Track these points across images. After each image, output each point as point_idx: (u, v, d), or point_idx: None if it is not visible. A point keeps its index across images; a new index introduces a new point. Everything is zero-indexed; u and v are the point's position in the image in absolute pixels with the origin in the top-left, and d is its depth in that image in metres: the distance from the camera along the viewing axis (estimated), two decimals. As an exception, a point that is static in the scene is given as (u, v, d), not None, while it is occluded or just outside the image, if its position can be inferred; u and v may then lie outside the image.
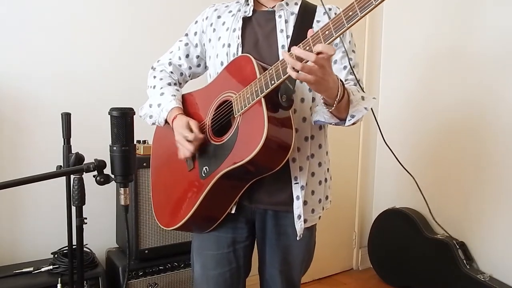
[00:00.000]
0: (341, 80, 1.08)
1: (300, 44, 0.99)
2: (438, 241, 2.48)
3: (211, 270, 1.28)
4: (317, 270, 2.85)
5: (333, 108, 1.07)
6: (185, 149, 1.19)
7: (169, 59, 1.40)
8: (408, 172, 1.29)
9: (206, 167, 1.18)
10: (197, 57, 1.39)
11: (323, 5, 1.20)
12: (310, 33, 0.99)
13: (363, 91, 1.26)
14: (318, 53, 0.94)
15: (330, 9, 1.25)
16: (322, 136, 1.29)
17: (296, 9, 1.25)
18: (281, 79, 1.03)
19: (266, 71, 1.06)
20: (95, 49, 2.02)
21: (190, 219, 1.21)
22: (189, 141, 1.17)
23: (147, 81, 1.40)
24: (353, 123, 1.15)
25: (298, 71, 0.96)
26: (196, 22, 1.38)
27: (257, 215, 1.28)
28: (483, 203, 2.41)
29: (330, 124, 1.20)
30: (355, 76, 1.24)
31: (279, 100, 1.07)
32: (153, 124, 1.34)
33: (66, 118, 1.49)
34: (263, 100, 1.06)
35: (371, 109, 1.22)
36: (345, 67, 1.25)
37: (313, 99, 1.22)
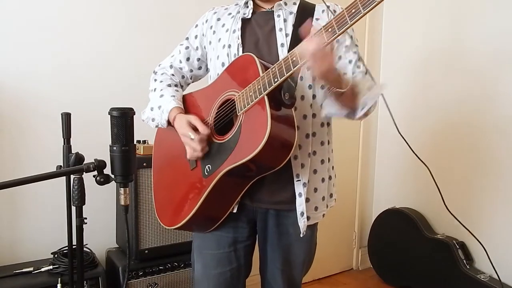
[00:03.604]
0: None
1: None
2: (438, 241, 2.48)
3: (212, 269, 1.29)
4: (317, 270, 2.85)
5: (343, 92, 1.08)
6: (193, 150, 1.19)
7: (170, 62, 1.41)
8: (423, 162, 1.28)
9: (209, 165, 1.18)
10: (198, 60, 1.39)
11: (323, 1, 1.20)
12: (302, 29, 1.01)
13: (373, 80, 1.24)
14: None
15: (328, 7, 1.25)
16: (325, 133, 1.28)
17: (294, 8, 1.25)
18: (285, 77, 1.03)
19: (269, 69, 1.07)
20: (95, 49, 2.02)
21: (192, 218, 1.21)
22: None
23: (149, 85, 1.40)
24: (365, 114, 1.15)
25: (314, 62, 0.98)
26: (197, 25, 1.39)
27: (258, 215, 1.28)
28: (483, 203, 2.41)
29: (341, 115, 1.18)
30: (364, 66, 1.23)
31: (282, 98, 1.08)
32: (157, 126, 1.34)
33: (66, 118, 1.49)
34: (266, 98, 1.06)
35: (385, 101, 1.18)
36: (350, 61, 1.24)
37: (314, 96, 1.22)
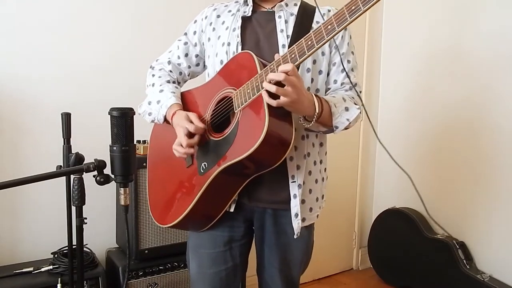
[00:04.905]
0: (316, 95, 1.12)
1: (273, 62, 1.04)
2: (438, 241, 2.48)
3: (207, 268, 1.28)
4: (317, 270, 2.85)
5: (311, 124, 1.11)
6: (178, 143, 1.17)
7: (168, 58, 1.40)
8: (402, 169, 1.30)
9: (205, 163, 1.17)
10: (196, 56, 1.39)
11: (317, 8, 1.22)
12: (276, 56, 1.05)
13: (359, 93, 1.27)
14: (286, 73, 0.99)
15: (329, 11, 1.27)
16: (317, 135, 1.29)
17: (295, 10, 1.26)
18: None
19: (267, 66, 1.07)
20: (95, 49, 2.02)
21: (187, 216, 1.20)
22: (188, 135, 1.15)
23: (146, 80, 1.39)
24: (346, 128, 1.19)
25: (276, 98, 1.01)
26: (195, 21, 1.38)
27: (256, 214, 1.28)
28: (483, 203, 2.41)
29: (320, 132, 1.23)
30: (354, 78, 1.27)
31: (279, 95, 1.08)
32: (152, 121, 1.33)
33: (66, 118, 1.49)
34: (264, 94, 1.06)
35: (366, 113, 1.23)
36: (342, 70, 1.25)
37: None
